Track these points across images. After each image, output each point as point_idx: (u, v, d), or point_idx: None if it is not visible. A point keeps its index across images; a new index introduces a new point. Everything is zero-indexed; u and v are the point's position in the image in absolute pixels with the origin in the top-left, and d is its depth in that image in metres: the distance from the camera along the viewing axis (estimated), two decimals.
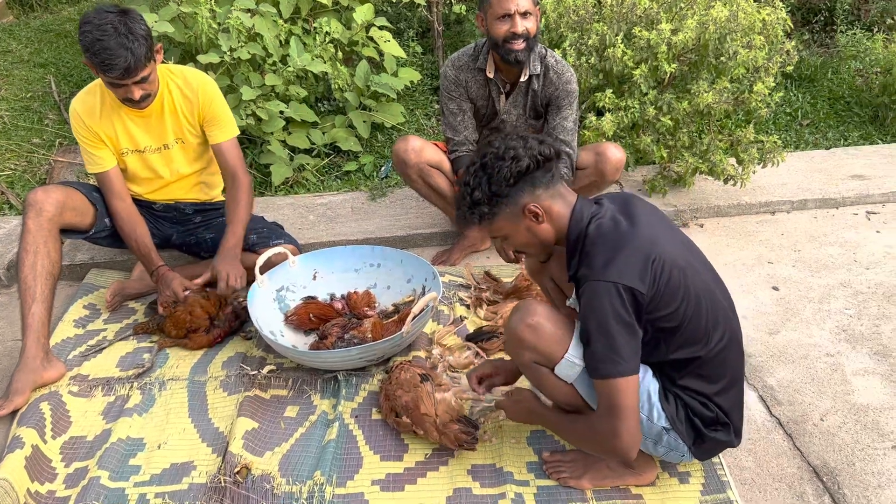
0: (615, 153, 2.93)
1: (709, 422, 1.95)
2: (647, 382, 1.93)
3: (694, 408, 1.94)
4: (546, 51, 2.97)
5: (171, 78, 2.81)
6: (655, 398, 1.93)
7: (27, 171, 4.27)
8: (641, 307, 1.78)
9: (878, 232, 3.35)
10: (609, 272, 1.76)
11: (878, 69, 4.49)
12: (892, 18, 5.40)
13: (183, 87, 2.82)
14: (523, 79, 2.95)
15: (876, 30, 5.14)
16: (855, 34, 5.02)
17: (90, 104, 2.79)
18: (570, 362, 1.91)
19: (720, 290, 1.97)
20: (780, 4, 3.33)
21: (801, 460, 2.21)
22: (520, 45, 2.81)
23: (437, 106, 4.90)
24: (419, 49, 5.12)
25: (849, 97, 4.68)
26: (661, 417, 1.94)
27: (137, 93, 2.59)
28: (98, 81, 2.81)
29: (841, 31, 5.18)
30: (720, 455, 2.18)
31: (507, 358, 2.27)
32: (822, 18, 5.25)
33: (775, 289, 2.99)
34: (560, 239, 1.95)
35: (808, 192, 3.58)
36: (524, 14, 2.78)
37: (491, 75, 2.97)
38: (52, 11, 6.96)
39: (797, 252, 3.24)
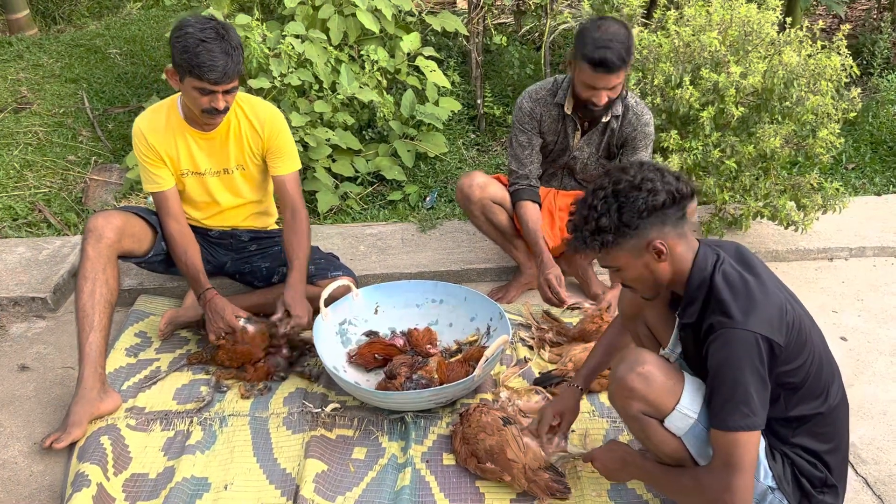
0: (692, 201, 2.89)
1: (817, 483, 1.88)
2: None
3: (802, 467, 1.87)
4: (626, 91, 2.93)
5: (240, 105, 2.77)
6: (762, 455, 1.87)
7: (63, 189, 4.21)
8: (776, 361, 1.74)
9: None
10: (750, 322, 1.72)
11: None
12: None
13: (251, 115, 2.77)
14: (604, 119, 2.91)
15: None
16: (894, 78, 5.02)
17: (155, 122, 2.74)
18: (683, 414, 1.84)
19: (825, 342, 1.93)
20: (846, 51, 3.30)
21: None
22: (600, 108, 2.80)
23: (473, 136, 4.86)
24: (457, 79, 5.08)
25: (891, 142, 4.65)
26: (767, 476, 1.87)
27: (222, 103, 2.55)
28: (165, 101, 2.76)
29: (880, 76, 5.18)
30: None
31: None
32: (864, 61, 5.25)
33: (843, 339, 2.93)
34: (673, 282, 1.90)
35: (866, 240, 3.54)
36: (612, 87, 2.73)
37: (569, 112, 2.92)
38: (76, 25, 6.94)
39: (861, 301, 3.19)
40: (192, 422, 2.52)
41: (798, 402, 1.82)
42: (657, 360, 1.89)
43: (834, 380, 1.87)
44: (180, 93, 2.67)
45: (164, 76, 2.63)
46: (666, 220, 1.81)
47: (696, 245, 1.88)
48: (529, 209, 2.99)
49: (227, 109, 2.61)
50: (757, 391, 1.71)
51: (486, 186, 3.03)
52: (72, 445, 2.40)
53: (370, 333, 2.88)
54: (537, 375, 2.73)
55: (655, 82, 3.24)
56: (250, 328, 2.71)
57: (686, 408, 1.83)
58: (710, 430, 1.81)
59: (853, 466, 2.34)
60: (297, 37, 3.92)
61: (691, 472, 1.88)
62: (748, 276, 1.80)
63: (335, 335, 2.80)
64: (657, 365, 1.87)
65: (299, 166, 2.89)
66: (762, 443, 1.87)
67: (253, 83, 3.76)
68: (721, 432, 1.75)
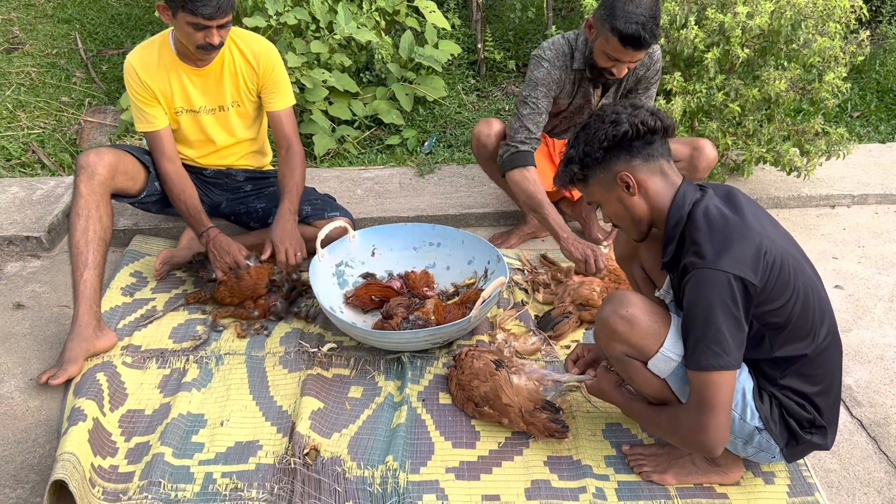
0: (711, 151, 2.81)
1: (805, 424, 1.88)
2: (742, 380, 1.86)
3: (790, 409, 1.86)
4: None
5: (234, 41, 2.71)
6: (749, 397, 1.86)
7: (57, 131, 4.15)
8: (751, 301, 1.71)
9: None
10: (722, 261, 1.69)
11: None
12: None
13: (245, 50, 2.72)
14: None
15: None
16: None
17: (147, 59, 2.68)
18: (666, 357, 1.83)
19: (822, 285, 1.90)
20: None
21: (889, 465, 2.15)
22: (615, 78, 2.74)
23: (473, 81, 4.78)
24: (457, 21, 4.99)
25: None
26: (754, 417, 1.86)
27: (217, 38, 2.51)
28: (156, 37, 2.70)
29: (889, 23, 5.08)
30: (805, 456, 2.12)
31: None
32: (873, 8, 5.15)
33: (840, 287, 2.92)
34: (656, 220, 1.88)
35: (869, 187, 3.50)
36: (635, 60, 2.65)
37: (589, 76, 2.81)
38: None
39: (861, 248, 3.17)
40: (188, 360, 2.52)
41: (783, 342, 1.80)
42: (642, 303, 1.87)
43: (824, 322, 1.83)
44: (172, 28, 2.61)
45: (156, 14, 2.57)
46: (633, 152, 1.83)
47: (678, 182, 1.85)
48: (536, 177, 2.81)
49: (221, 45, 2.56)
50: (730, 331, 1.69)
51: (503, 136, 2.97)
52: (68, 382, 2.39)
53: (367, 276, 2.86)
54: (534, 318, 2.71)
55: (660, 23, 3.16)
56: (254, 264, 2.70)
57: (669, 350, 1.82)
58: None
59: (848, 409, 2.35)
60: None
61: (669, 411, 1.88)
62: (730, 214, 1.77)
63: (332, 276, 2.78)
64: (642, 308, 1.85)
65: (294, 102, 2.85)
66: (750, 384, 1.86)
67: (248, 22, 3.68)
68: (694, 372, 1.74)
